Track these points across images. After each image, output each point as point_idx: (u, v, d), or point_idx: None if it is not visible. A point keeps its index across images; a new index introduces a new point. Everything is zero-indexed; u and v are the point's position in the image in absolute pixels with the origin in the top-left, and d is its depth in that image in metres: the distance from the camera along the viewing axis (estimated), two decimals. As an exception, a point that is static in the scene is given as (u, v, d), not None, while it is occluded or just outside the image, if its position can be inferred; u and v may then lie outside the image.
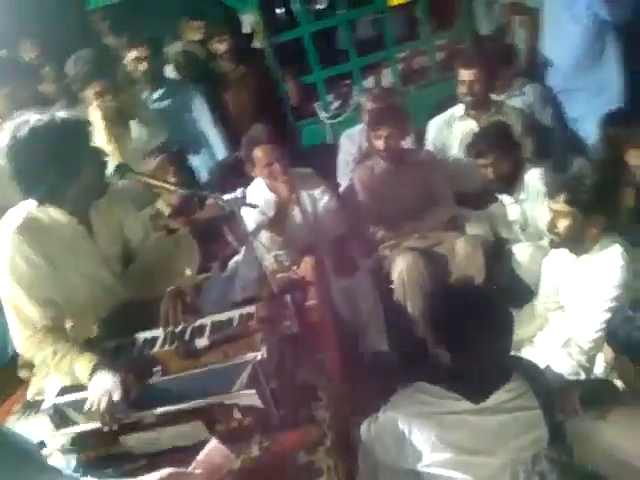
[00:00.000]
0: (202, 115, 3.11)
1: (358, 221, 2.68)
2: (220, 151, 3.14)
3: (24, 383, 1.76)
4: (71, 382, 1.45)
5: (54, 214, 1.57)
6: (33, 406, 1.59)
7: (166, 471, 1.10)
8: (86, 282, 1.64)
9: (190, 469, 1.14)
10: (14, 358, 2.00)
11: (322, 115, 3.40)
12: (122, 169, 1.61)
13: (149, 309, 1.65)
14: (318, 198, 2.52)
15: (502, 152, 2.38)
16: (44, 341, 1.49)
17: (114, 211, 1.75)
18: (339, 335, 2.10)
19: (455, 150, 2.85)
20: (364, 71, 3.48)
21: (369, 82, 3.53)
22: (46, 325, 1.51)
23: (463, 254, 2.36)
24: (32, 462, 0.77)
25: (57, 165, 1.46)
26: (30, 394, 1.66)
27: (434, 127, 2.91)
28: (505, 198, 2.51)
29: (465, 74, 2.69)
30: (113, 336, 1.62)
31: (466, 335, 1.26)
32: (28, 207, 1.57)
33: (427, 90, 3.40)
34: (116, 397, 1.31)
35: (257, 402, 1.29)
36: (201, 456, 1.17)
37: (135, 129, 2.70)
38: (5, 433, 0.77)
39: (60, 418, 1.35)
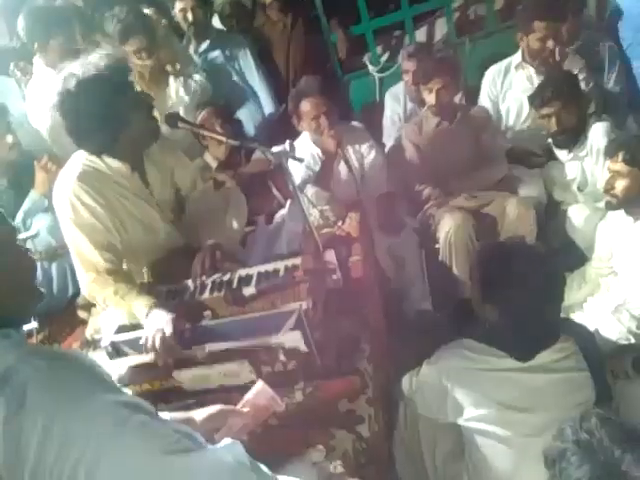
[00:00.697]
0: (249, 67, 3.08)
1: (405, 179, 2.63)
2: (267, 105, 3.12)
3: (83, 323, 1.86)
4: (128, 321, 1.53)
5: (110, 163, 1.63)
6: (91, 344, 1.69)
7: (216, 407, 1.15)
8: (140, 227, 1.71)
9: (238, 407, 1.20)
10: (73, 299, 2.12)
11: (371, 68, 3.30)
12: (174, 118, 1.62)
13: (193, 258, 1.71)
14: (365, 154, 2.48)
15: (568, 101, 2.25)
16: (106, 282, 1.57)
17: (166, 159, 1.79)
18: (382, 291, 2.11)
19: (509, 102, 2.73)
20: (416, 21, 3.33)
21: (421, 33, 3.38)
22: (107, 268, 1.59)
23: (514, 216, 2.29)
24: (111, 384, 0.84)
25: (107, 116, 1.48)
26: (88, 333, 1.77)
27: (489, 77, 2.79)
28: (563, 155, 2.40)
29: (541, 27, 2.50)
30: (161, 282, 1.69)
31: (515, 294, 1.24)
32: (86, 157, 1.62)
33: (483, 42, 3.23)
34: (168, 333, 1.38)
35: (301, 344, 1.32)
36: (248, 396, 1.22)
37: (176, 86, 2.71)
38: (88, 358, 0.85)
39: (117, 354, 1.44)
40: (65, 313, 2.03)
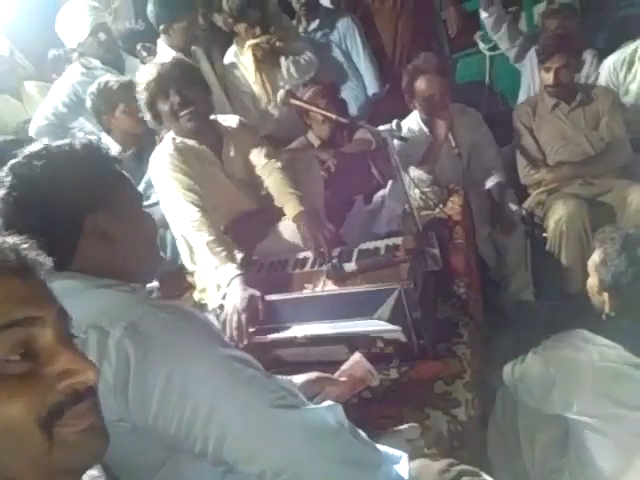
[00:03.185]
0: (356, 47, 3.06)
1: (514, 164, 2.50)
2: (371, 85, 3.10)
3: (191, 287, 2.00)
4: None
5: (189, 143, 1.84)
6: (199, 307, 1.82)
7: (314, 374, 1.19)
8: (217, 191, 1.86)
9: (335, 376, 1.23)
10: (183, 265, 2.28)
11: (482, 46, 3.16)
12: (288, 95, 1.68)
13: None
14: (475, 138, 2.39)
15: None
16: (213, 240, 1.68)
17: (245, 139, 1.93)
18: (482, 279, 2.05)
19: (633, 96, 2.47)
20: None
21: (540, 7, 3.16)
22: (205, 220, 1.72)
23: (637, 206, 2.10)
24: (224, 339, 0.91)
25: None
26: (196, 296, 1.90)
27: (609, 66, 2.55)
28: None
29: None
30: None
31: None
32: (175, 137, 1.85)
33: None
34: (244, 317, 1.44)
35: (401, 337, 1.32)
36: (345, 366, 1.25)
37: (287, 64, 2.77)
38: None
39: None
40: (176, 277, 2.18)
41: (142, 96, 1.80)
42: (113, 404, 0.77)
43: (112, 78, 2.39)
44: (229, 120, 2.00)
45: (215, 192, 1.86)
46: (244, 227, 1.92)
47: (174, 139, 1.86)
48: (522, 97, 2.84)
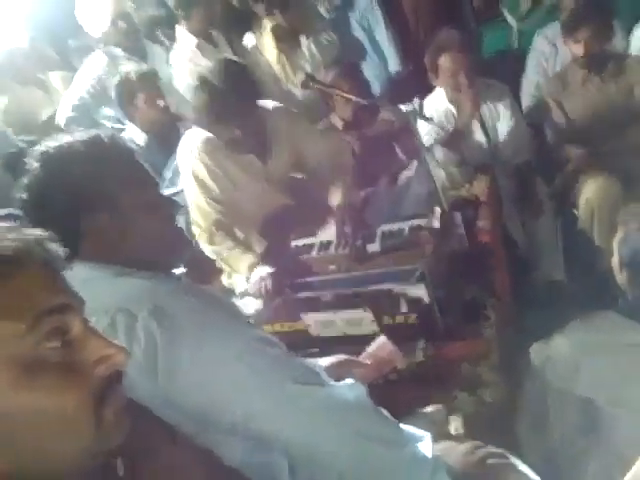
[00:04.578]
0: (378, 25, 3.00)
1: (542, 141, 2.43)
2: (394, 63, 3.04)
3: (219, 271, 2.02)
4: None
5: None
6: (228, 291, 1.85)
7: (341, 356, 1.21)
8: (246, 196, 1.87)
9: (361, 358, 1.24)
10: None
11: (509, 18, 3.04)
12: (308, 78, 1.67)
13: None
14: (502, 114, 2.33)
15: None
16: (216, 235, 1.79)
17: (292, 130, 1.90)
18: (510, 259, 2.01)
19: None
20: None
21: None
22: (217, 219, 1.80)
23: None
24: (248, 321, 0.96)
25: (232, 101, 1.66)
26: (225, 281, 1.93)
27: (638, 37, 2.43)
28: None
29: None
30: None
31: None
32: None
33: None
34: (269, 285, 1.57)
35: (425, 296, 1.31)
36: (370, 349, 1.26)
37: (307, 44, 2.74)
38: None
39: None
40: (205, 262, 2.22)
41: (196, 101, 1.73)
42: (145, 383, 0.80)
43: (132, 68, 2.40)
44: (269, 104, 1.93)
45: (242, 195, 1.87)
46: (278, 224, 1.92)
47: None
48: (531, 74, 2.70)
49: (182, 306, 0.84)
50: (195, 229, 1.85)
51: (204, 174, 1.80)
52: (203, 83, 1.66)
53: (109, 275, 0.88)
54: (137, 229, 0.93)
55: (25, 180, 0.91)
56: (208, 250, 1.83)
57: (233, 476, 0.75)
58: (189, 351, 0.81)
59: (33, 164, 0.91)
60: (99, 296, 0.84)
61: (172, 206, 1.05)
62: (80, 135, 0.94)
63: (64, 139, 0.93)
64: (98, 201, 0.91)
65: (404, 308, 1.35)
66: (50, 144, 0.93)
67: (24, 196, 0.91)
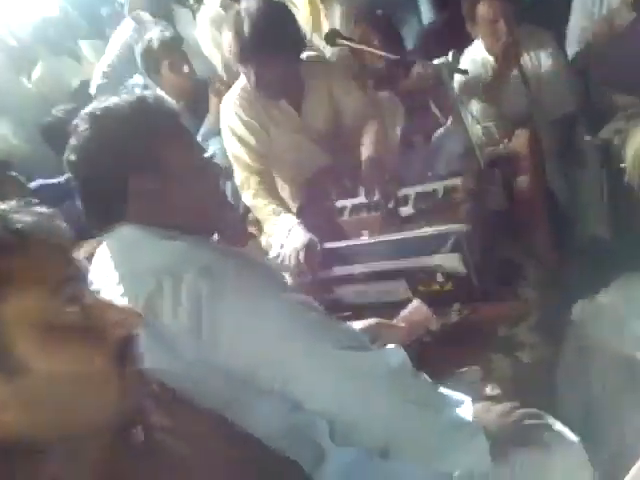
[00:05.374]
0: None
1: (589, 89, 2.29)
2: (427, 12, 2.90)
3: (253, 237, 2.03)
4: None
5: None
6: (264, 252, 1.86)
7: (373, 320, 1.21)
8: (287, 147, 1.85)
9: (394, 322, 1.24)
10: (244, 216, 2.33)
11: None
12: (332, 35, 1.61)
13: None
14: (544, 62, 2.20)
15: None
16: (259, 193, 1.77)
17: (327, 85, 1.85)
18: (553, 215, 1.94)
19: None
20: None
21: None
22: (259, 169, 1.79)
23: None
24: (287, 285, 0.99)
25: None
26: (263, 241, 1.94)
27: None
28: None
29: None
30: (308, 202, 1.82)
31: None
32: (244, 84, 1.79)
33: None
34: (302, 255, 1.49)
35: (461, 267, 1.28)
36: (404, 312, 1.25)
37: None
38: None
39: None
40: (237, 227, 2.23)
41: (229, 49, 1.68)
42: (189, 344, 0.82)
43: (155, 36, 2.37)
44: (303, 54, 1.84)
45: (282, 147, 1.86)
46: (317, 184, 1.90)
47: (243, 86, 1.81)
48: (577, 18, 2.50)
49: (227, 267, 0.85)
50: (239, 184, 1.85)
51: (242, 130, 1.80)
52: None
53: (154, 237, 0.89)
54: (183, 191, 0.94)
55: (73, 141, 0.92)
56: (251, 204, 1.83)
57: (254, 448, 0.76)
58: (233, 309, 0.82)
59: (81, 125, 0.91)
60: (145, 258, 0.87)
61: (217, 169, 1.06)
62: (126, 97, 0.95)
63: (111, 100, 0.94)
64: (145, 162, 0.92)
65: (440, 278, 1.33)
66: (97, 105, 0.93)
67: (72, 157, 0.92)
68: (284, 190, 1.99)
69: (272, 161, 1.87)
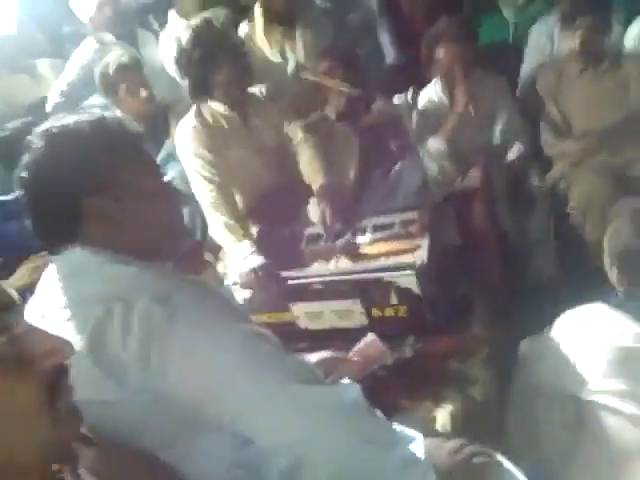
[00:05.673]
0: (373, 11, 2.96)
1: (536, 135, 2.40)
2: (389, 53, 3.00)
3: (209, 264, 1.99)
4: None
5: (215, 107, 1.90)
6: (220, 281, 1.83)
7: (327, 353, 1.19)
8: (242, 168, 1.93)
9: (349, 356, 1.23)
10: (200, 242, 2.29)
11: (505, 10, 3.00)
12: (299, 68, 1.64)
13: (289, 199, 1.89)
14: (497, 106, 2.30)
15: None
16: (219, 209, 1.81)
17: (273, 112, 1.97)
18: (503, 253, 2.00)
19: None
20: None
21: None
22: (219, 183, 1.85)
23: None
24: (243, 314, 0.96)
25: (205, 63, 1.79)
26: (221, 269, 1.91)
27: (633, 36, 2.40)
28: None
29: None
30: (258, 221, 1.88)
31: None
32: (195, 111, 1.91)
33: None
34: (261, 273, 1.58)
35: (414, 286, 1.30)
36: (359, 346, 1.25)
37: (304, 30, 2.69)
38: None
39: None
40: (194, 254, 2.19)
41: (182, 62, 1.88)
42: (137, 373, 0.78)
43: (112, 59, 2.35)
44: (254, 89, 2.04)
45: (239, 166, 1.92)
46: (272, 205, 1.94)
47: (199, 112, 1.92)
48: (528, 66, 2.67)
49: (181, 295, 0.82)
50: (205, 212, 1.89)
51: (204, 167, 1.86)
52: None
53: (106, 262, 0.85)
54: (139, 216, 0.91)
55: (26, 158, 0.89)
56: (219, 239, 1.85)
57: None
58: (185, 339, 0.79)
59: (36, 142, 0.88)
60: (95, 283, 0.84)
61: (176, 195, 1.04)
62: (87, 116, 0.92)
63: (70, 119, 0.91)
64: (101, 183, 0.88)
65: (394, 299, 1.34)
66: (54, 123, 0.90)
67: (24, 174, 0.88)
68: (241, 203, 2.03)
69: (227, 176, 1.92)
